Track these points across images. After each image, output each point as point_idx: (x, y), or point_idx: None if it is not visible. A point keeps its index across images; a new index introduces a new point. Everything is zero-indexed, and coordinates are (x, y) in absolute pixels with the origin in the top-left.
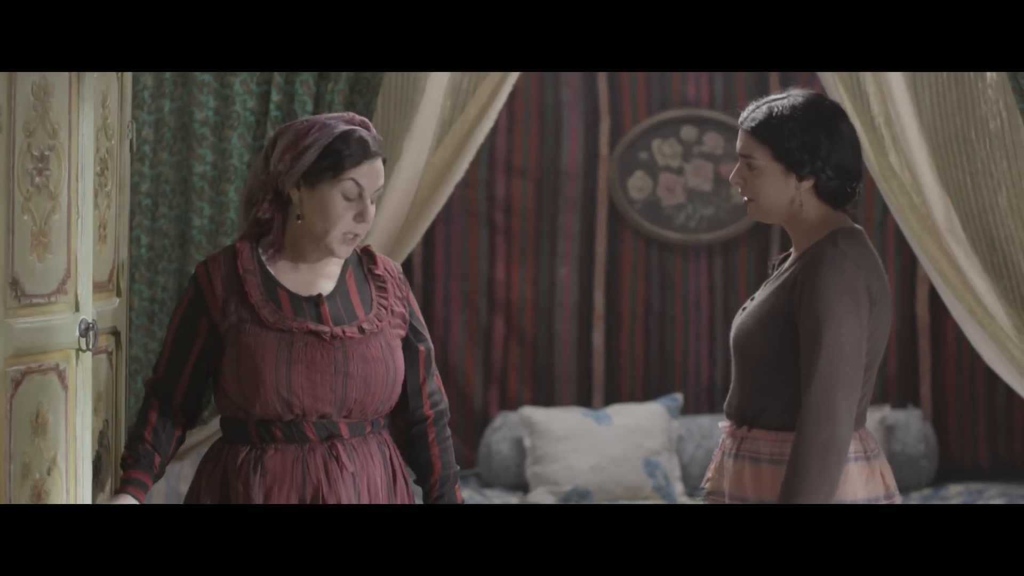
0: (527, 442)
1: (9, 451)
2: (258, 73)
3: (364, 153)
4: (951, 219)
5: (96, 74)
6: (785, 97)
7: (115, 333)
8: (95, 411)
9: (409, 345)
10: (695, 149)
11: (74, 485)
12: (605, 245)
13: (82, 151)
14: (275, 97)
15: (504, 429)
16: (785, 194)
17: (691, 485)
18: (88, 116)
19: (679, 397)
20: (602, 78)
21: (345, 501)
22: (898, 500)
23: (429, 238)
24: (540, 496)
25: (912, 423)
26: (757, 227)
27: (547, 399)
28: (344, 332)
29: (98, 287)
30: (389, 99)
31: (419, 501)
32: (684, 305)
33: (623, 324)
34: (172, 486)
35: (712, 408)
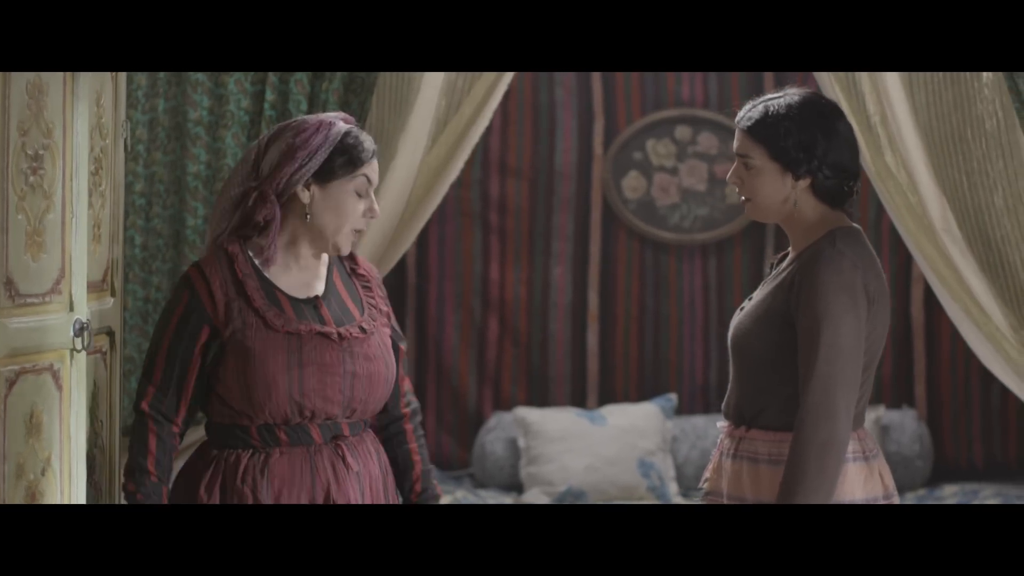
0: (521, 442)
1: (3, 452)
2: (252, 73)
3: (372, 149)
4: (947, 218)
5: (90, 73)
6: (782, 96)
7: (109, 333)
8: (89, 411)
9: (392, 344)
10: (689, 149)
11: (68, 486)
12: (599, 245)
13: (76, 150)
14: (269, 96)
15: (498, 429)
16: (782, 193)
17: (685, 485)
18: (83, 115)
19: (673, 397)
20: (596, 78)
21: (353, 499)
22: (896, 500)
23: (423, 238)
24: (534, 497)
25: (907, 423)
26: (752, 227)
27: (541, 399)
28: (349, 332)
29: (92, 287)
30: (384, 98)
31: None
32: (679, 305)
33: (617, 324)
34: None
35: (706, 408)
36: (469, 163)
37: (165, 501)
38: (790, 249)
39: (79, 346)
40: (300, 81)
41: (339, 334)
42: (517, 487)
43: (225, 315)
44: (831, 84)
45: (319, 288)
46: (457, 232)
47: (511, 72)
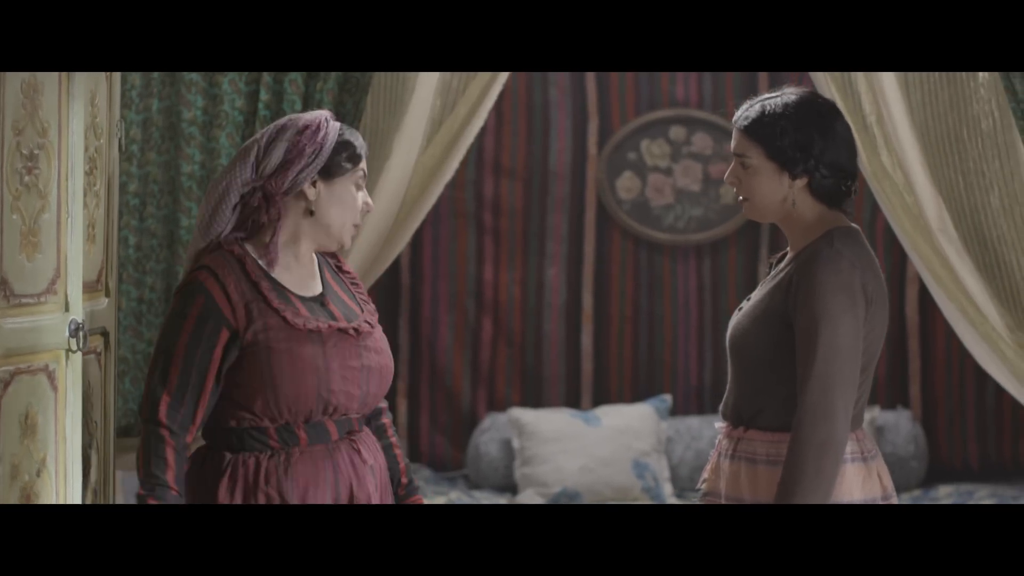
0: (516, 443)
1: None
2: (246, 73)
3: (364, 144)
4: (943, 219)
5: (85, 73)
6: (779, 95)
7: (104, 334)
8: (85, 412)
9: None
10: (684, 149)
11: (64, 486)
12: (593, 246)
13: (72, 150)
14: (264, 97)
15: (492, 430)
16: (779, 193)
17: (680, 486)
18: (78, 115)
19: (668, 398)
20: (590, 78)
21: (372, 493)
22: (895, 502)
23: (417, 238)
24: (529, 498)
25: (902, 424)
26: (746, 228)
27: (535, 400)
28: (361, 327)
29: (87, 287)
30: (379, 98)
31: None
32: (673, 306)
33: (612, 325)
34: None
35: (701, 409)
36: (463, 163)
37: None
38: (788, 249)
39: (74, 346)
40: (295, 81)
41: (355, 329)
42: (511, 488)
43: (245, 317)
44: (827, 84)
45: (318, 286)
46: (451, 232)
47: (506, 72)
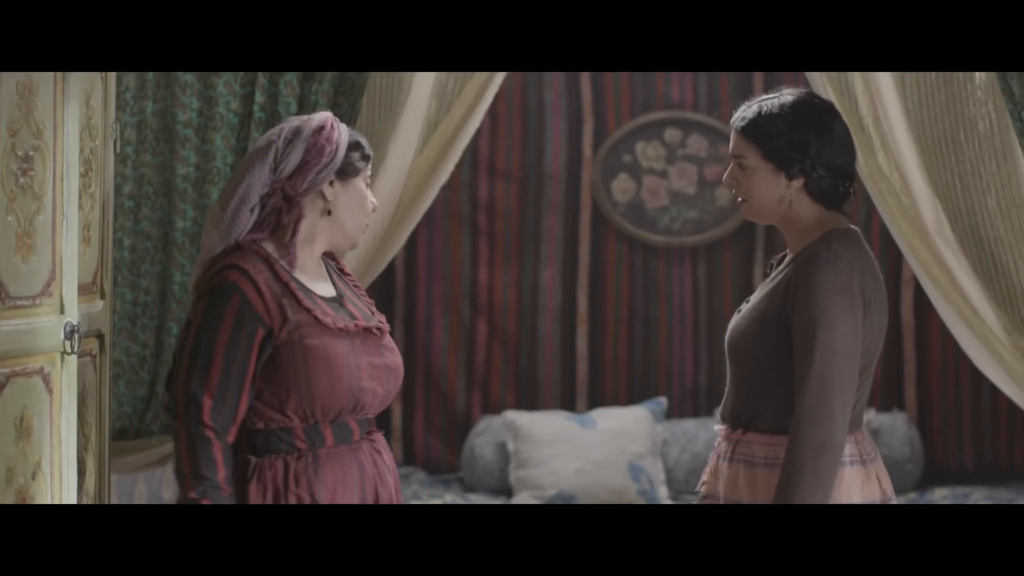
0: (511, 446)
1: None
2: (241, 74)
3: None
4: (940, 220)
5: (80, 74)
6: (776, 96)
7: (99, 336)
8: (79, 415)
9: None
10: (679, 152)
11: (59, 490)
12: (588, 248)
13: (67, 151)
14: (259, 98)
15: (487, 433)
16: (776, 193)
17: (676, 489)
18: (73, 116)
19: (663, 401)
20: (585, 80)
21: (392, 493)
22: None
23: (411, 241)
24: (524, 501)
25: (897, 426)
26: (741, 230)
27: (530, 403)
28: (382, 327)
29: (82, 289)
30: (374, 100)
31: None
32: (668, 308)
33: (607, 327)
34: (154, 491)
35: (696, 412)
36: (458, 165)
37: None
38: (787, 251)
39: (69, 349)
40: (290, 83)
41: (378, 328)
42: (506, 491)
43: (279, 315)
44: (823, 85)
45: (331, 287)
46: (446, 235)
47: (502, 73)
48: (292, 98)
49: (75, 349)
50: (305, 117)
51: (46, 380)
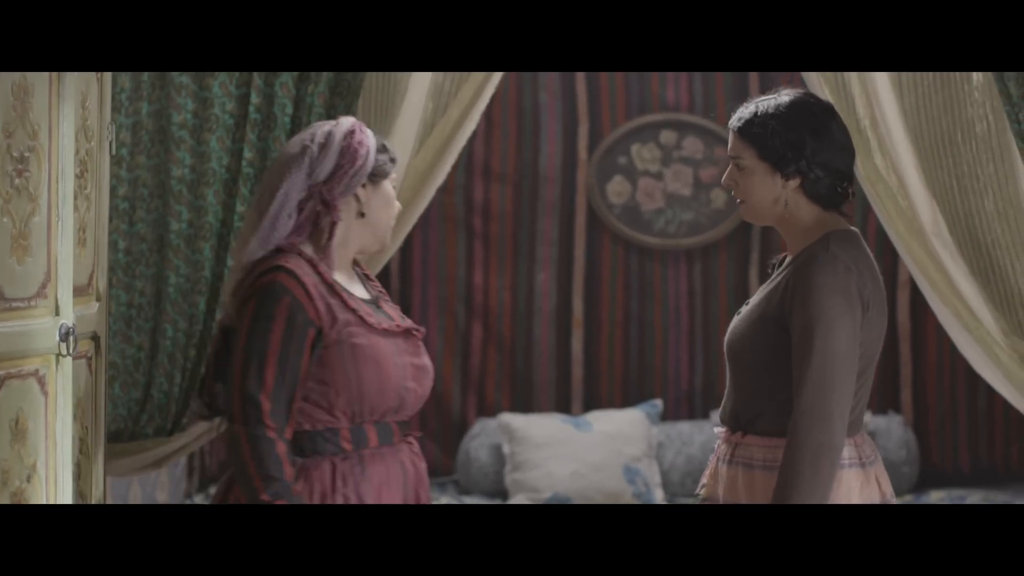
0: (506, 449)
1: None
2: (237, 76)
3: None
4: (937, 222)
5: (76, 74)
6: (774, 97)
7: (94, 338)
8: (75, 417)
9: None
10: (674, 153)
11: (54, 492)
12: (584, 250)
13: (62, 152)
14: (254, 100)
15: (483, 436)
16: (772, 193)
17: (671, 492)
18: (68, 117)
19: (659, 403)
20: (580, 82)
21: (428, 493)
22: None
23: (406, 243)
24: (519, 503)
25: (893, 429)
26: (737, 232)
27: (526, 405)
28: (420, 329)
29: (77, 291)
30: (370, 101)
31: None
32: (663, 311)
33: (602, 330)
34: (149, 493)
35: (692, 414)
36: (453, 167)
37: None
38: (787, 253)
39: (65, 351)
40: (285, 84)
41: (416, 330)
42: (502, 493)
43: (328, 315)
44: (820, 86)
45: (364, 289)
46: (441, 237)
47: (498, 74)
48: (288, 99)
49: (71, 351)
50: (332, 122)
51: (41, 382)
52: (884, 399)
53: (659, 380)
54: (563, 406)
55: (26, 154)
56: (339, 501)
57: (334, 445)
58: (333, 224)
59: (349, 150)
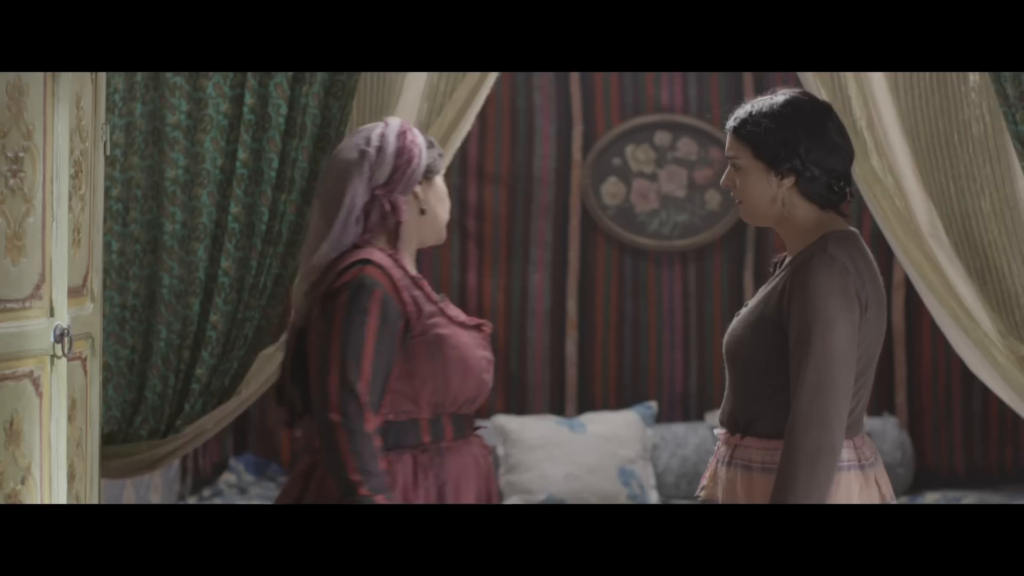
0: (500, 451)
1: None
2: (231, 76)
3: None
4: (934, 224)
5: (71, 74)
6: (769, 96)
7: (89, 339)
8: (69, 419)
9: None
10: (669, 155)
11: (49, 494)
12: (578, 252)
13: (57, 153)
14: (248, 100)
15: None
16: (768, 193)
17: (666, 493)
18: (63, 117)
19: (653, 405)
20: (575, 83)
21: (496, 485)
22: None
23: None
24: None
25: (888, 431)
26: (731, 233)
27: (520, 407)
28: (486, 324)
29: (72, 292)
30: (365, 102)
31: None
32: (658, 312)
33: (596, 332)
34: (142, 495)
35: (687, 416)
36: (447, 169)
37: None
38: (786, 254)
39: (60, 352)
40: (280, 85)
41: (485, 324)
42: None
43: (414, 307)
44: (817, 87)
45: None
46: None
47: (493, 75)
48: (282, 100)
49: (65, 352)
50: (380, 124)
51: (36, 384)
52: (879, 400)
53: (654, 382)
54: (557, 408)
55: (20, 154)
56: (420, 494)
57: (415, 436)
58: (399, 224)
59: (404, 151)
